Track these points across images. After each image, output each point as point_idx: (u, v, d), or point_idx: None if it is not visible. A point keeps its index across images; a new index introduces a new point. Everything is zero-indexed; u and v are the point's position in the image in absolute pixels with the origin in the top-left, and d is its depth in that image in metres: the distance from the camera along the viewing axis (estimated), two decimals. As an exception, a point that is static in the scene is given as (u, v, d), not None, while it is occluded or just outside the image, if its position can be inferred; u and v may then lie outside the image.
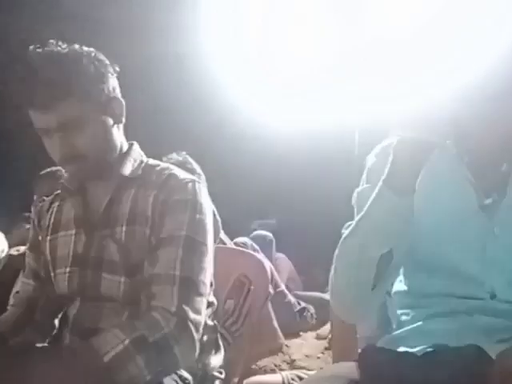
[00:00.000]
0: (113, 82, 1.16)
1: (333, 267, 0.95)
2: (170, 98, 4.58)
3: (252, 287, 1.51)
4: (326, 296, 3.36)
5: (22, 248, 2.17)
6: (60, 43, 1.10)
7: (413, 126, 0.81)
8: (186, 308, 1.03)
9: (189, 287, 1.06)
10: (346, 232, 0.94)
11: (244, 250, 2.54)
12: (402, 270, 1.02)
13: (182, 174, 1.17)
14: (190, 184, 1.14)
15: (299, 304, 3.59)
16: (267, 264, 1.60)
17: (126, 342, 0.95)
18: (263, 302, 1.55)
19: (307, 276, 4.46)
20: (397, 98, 0.83)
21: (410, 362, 0.87)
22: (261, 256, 2.01)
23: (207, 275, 1.10)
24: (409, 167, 0.84)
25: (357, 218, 0.92)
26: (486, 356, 0.81)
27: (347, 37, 3.12)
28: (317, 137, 4.48)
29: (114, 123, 1.16)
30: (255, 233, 4.10)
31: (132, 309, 1.12)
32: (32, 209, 2.05)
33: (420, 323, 0.95)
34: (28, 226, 2.31)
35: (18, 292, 1.34)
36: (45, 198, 1.76)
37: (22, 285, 1.32)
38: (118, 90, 1.17)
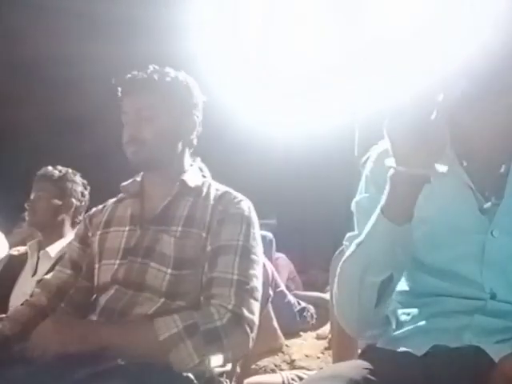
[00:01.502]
0: (196, 108, 1.36)
1: (336, 284, 0.97)
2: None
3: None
4: (326, 296, 3.36)
5: (22, 248, 2.17)
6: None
7: (409, 159, 0.79)
8: (242, 307, 1.15)
9: (244, 290, 1.18)
10: (347, 252, 0.94)
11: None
12: None
13: (235, 193, 1.33)
14: (243, 202, 1.30)
15: (299, 304, 3.58)
16: (267, 264, 1.60)
17: (180, 326, 1.10)
18: (264, 303, 1.54)
19: (307, 276, 4.46)
20: (390, 127, 0.80)
21: (409, 362, 0.87)
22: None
23: (259, 282, 1.22)
24: (405, 199, 0.84)
25: (357, 241, 0.92)
26: (485, 356, 0.81)
27: (347, 37, 3.11)
28: (317, 137, 4.49)
29: (180, 136, 1.33)
30: (255, 233, 4.09)
31: (168, 300, 1.20)
32: (26, 207, 2.06)
33: (420, 323, 0.95)
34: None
35: (44, 279, 1.40)
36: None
37: (56, 272, 1.39)
38: (198, 119, 1.36)
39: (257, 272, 1.22)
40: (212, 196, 1.30)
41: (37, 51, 4.28)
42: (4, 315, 1.38)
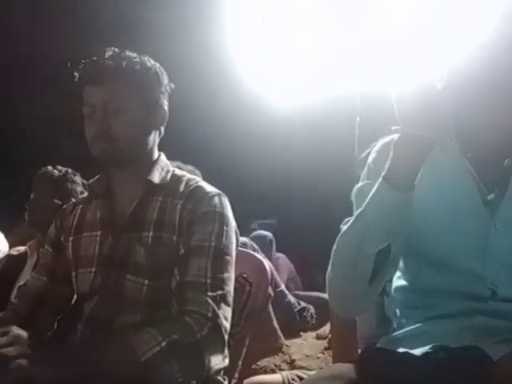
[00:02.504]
0: (165, 96, 1.26)
1: (330, 262, 0.95)
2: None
3: (252, 289, 1.50)
4: (326, 296, 3.35)
5: (22, 248, 2.17)
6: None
7: (414, 122, 0.82)
8: (219, 315, 1.08)
9: (219, 295, 1.11)
10: (344, 227, 0.94)
11: (244, 250, 2.53)
12: (401, 266, 1.02)
13: (208, 187, 1.23)
14: (216, 197, 1.20)
15: (299, 304, 3.58)
16: (267, 264, 1.60)
17: (163, 344, 1.00)
18: (264, 302, 1.54)
19: (307, 276, 4.46)
20: (398, 93, 0.83)
21: (410, 363, 0.87)
22: (261, 256, 2.01)
23: (232, 285, 1.16)
24: (409, 164, 0.85)
25: (356, 213, 0.92)
26: (486, 357, 0.81)
27: (347, 37, 3.12)
28: (317, 137, 4.49)
29: (152, 127, 1.24)
30: (255, 233, 4.10)
31: (152, 309, 1.16)
32: (26, 207, 2.06)
33: (420, 324, 0.95)
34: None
35: (24, 285, 1.34)
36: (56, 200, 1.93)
37: (33, 280, 1.32)
38: (166, 104, 1.26)
39: (230, 274, 1.16)
40: (181, 193, 1.21)
41: (37, 51, 4.28)
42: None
